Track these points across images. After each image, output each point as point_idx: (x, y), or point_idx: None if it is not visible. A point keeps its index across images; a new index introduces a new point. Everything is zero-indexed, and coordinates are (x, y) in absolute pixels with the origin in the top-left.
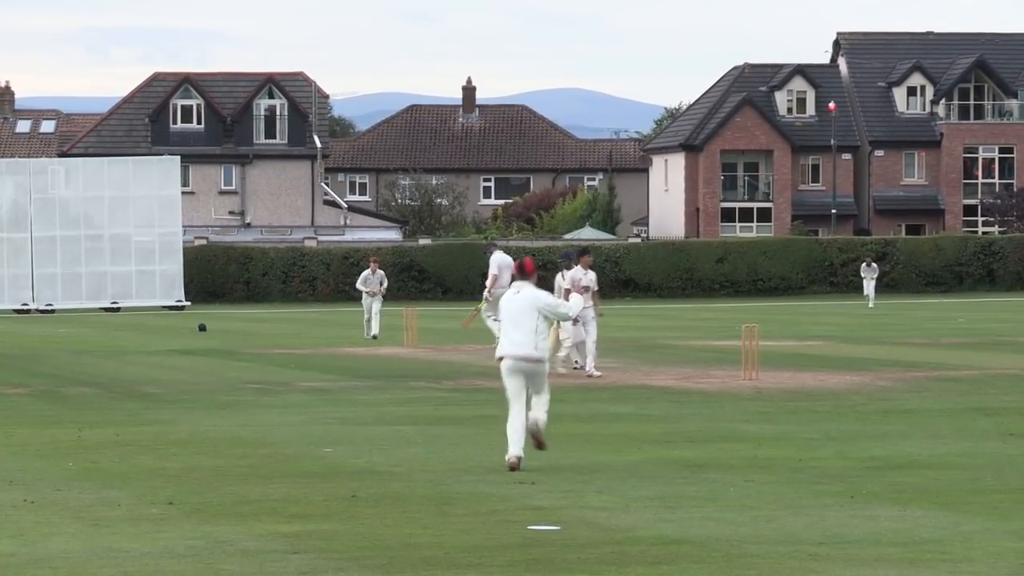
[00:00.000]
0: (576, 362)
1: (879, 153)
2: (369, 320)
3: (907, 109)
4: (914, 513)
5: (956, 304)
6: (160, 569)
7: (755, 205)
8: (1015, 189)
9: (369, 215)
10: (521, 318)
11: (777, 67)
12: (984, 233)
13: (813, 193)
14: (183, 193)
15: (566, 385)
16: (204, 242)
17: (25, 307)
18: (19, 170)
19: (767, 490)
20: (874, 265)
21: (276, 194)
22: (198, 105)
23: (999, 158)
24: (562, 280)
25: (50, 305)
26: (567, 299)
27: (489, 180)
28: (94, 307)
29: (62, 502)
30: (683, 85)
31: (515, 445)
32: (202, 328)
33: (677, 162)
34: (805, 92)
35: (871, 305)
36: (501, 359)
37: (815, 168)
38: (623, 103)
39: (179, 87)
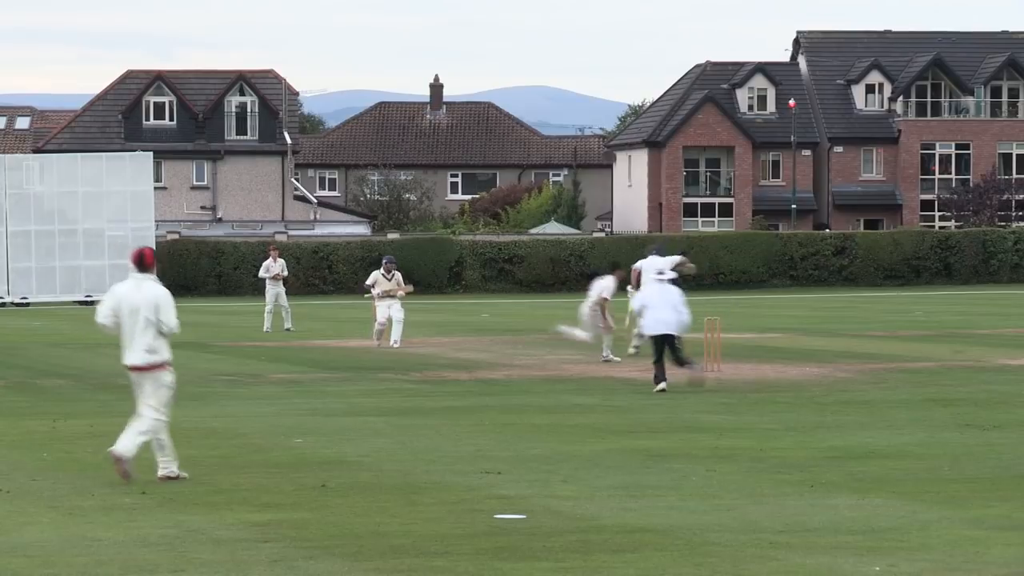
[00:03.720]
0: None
1: (838, 149)
2: (271, 312)
3: (865, 106)
4: (873, 502)
5: (913, 297)
6: (133, 557)
7: (717, 200)
8: (971, 184)
9: (338, 210)
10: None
11: (738, 65)
12: (941, 228)
13: (773, 189)
14: (156, 188)
15: (531, 377)
16: (176, 236)
17: (0, 300)
18: None
19: (729, 479)
20: None
21: (247, 189)
22: (170, 102)
23: (955, 154)
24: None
25: (25, 298)
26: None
27: (456, 176)
28: (68, 300)
29: (37, 492)
30: (646, 83)
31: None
32: None
33: (640, 158)
34: (766, 90)
35: None
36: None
37: (775, 164)
38: (588, 100)
39: (152, 84)
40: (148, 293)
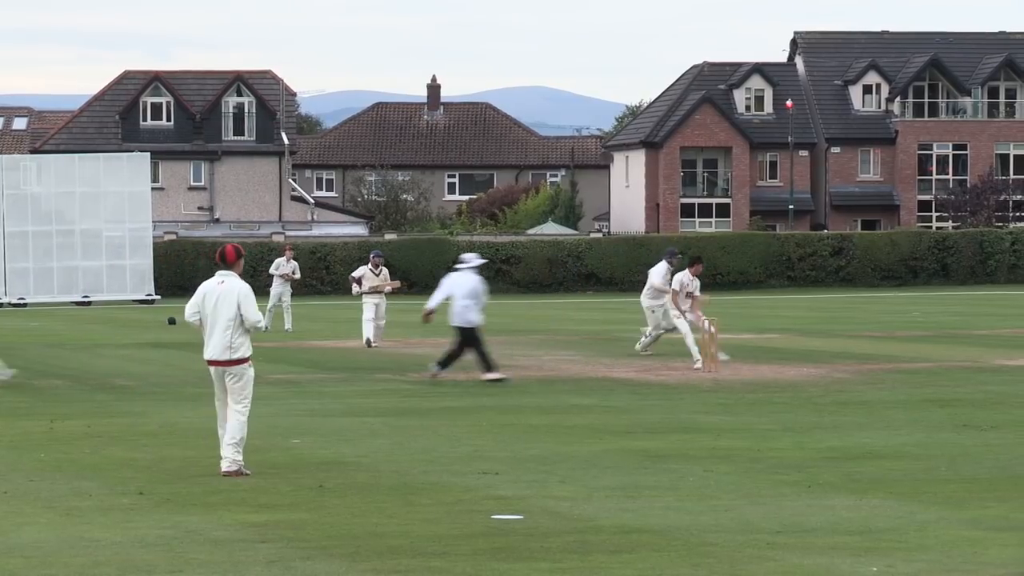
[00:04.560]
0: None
1: (835, 150)
2: (272, 311)
3: (863, 107)
4: (870, 502)
5: (911, 298)
6: (131, 558)
7: (714, 201)
8: (968, 185)
9: (336, 211)
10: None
11: (736, 66)
12: (938, 228)
13: (771, 189)
14: (153, 189)
15: (528, 377)
16: (174, 237)
17: None
18: None
19: (726, 480)
20: None
21: (244, 190)
22: (168, 103)
23: (953, 155)
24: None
25: (22, 299)
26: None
27: (453, 176)
28: (66, 301)
29: (34, 492)
30: (644, 83)
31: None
32: (172, 322)
33: (638, 159)
34: (763, 90)
35: None
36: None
37: (773, 165)
38: (585, 101)
39: (149, 85)
40: (230, 288)
